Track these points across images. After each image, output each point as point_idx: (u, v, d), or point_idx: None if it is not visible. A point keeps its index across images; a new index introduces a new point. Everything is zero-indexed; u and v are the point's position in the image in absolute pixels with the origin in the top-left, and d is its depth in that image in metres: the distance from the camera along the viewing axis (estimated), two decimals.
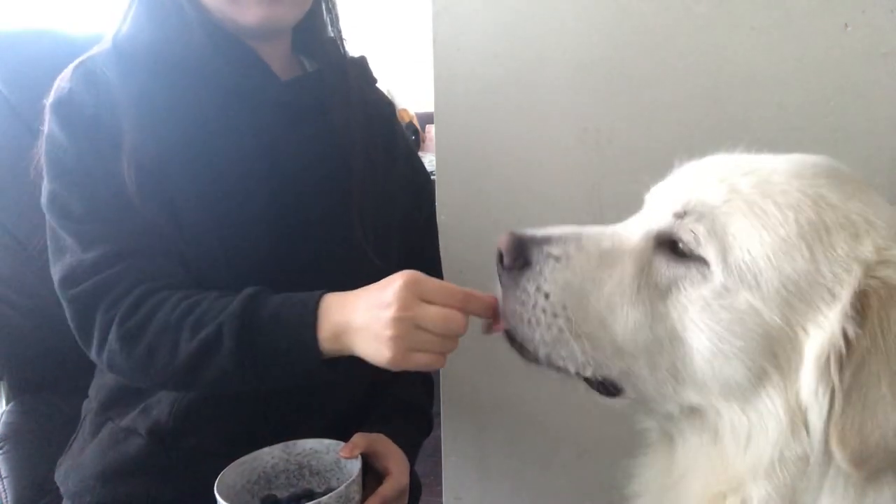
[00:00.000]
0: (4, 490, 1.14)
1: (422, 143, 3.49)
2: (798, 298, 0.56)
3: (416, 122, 3.57)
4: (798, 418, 0.56)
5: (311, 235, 0.96)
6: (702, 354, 0.59)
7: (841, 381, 0.53)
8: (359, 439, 0.89)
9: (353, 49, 1.14)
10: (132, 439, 0.94)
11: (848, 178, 0.62)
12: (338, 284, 0.97)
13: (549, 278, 0.64)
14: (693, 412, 0.63)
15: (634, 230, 0.66)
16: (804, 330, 0.56)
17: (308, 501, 0.83)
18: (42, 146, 0.90)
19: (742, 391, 0.59)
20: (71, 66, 0.92)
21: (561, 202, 1.30)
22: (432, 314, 0.73)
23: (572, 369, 0.65)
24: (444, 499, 1.47)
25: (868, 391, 0.52)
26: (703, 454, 0.62)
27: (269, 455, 0.86)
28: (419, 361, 0.75)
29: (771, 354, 0.57)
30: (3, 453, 1.17)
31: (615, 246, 0.65)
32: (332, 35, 1.07)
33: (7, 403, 1.24)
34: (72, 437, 1.04)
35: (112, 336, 0.83)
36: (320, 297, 0.80)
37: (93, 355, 0.87)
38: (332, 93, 1.01)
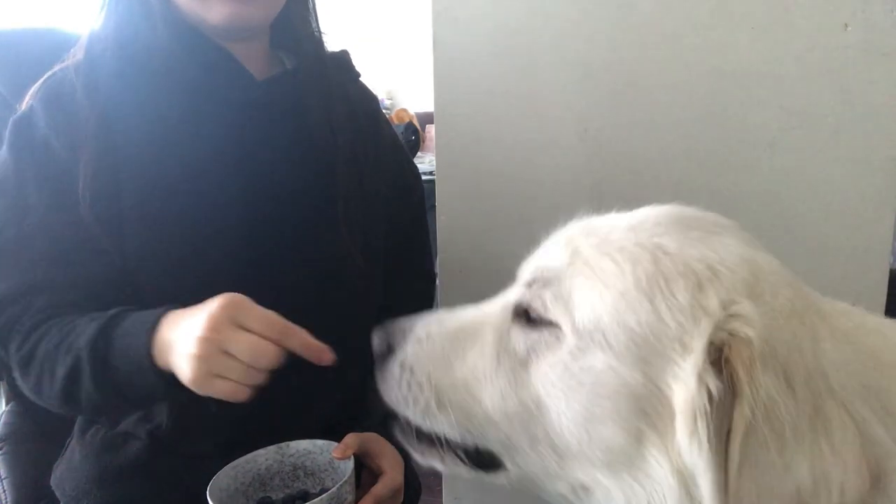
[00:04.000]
0: (4, 490, 1.14)
1: (422, 143, 3.49)
2: (650, 352, 0.54)
3: (416, 122, 3.57)
4: (689, 481, 0.53)
5: (292, 238, 0.95)
6: (573, 420, 0.57)
7: (709, 437, 0.50)
8: (351, 439, 0.88)
9: (353, 50, 1.14)
10: (132, 442, 0.94)
11: (695, 223, 0.60)
12: (321, 286, 0.97)
13: (411, 354, 0.67)
14: (585, 491, 0.60)
15: (496, 305, 0.68)
16: (667, 385, 0.54)
17: (302, 503, 0.83)
18: None
19: (626, 457, 0.56)
20: (41, 80, 0.92)
21: (561, 202, 1.30)
22: (241, 341, 0.71)
23: (450, 438, 0.65)
24: (443, 499, 1.47)
25: (758, 458, 0.50)
26: None
27: (263, 457, 0.86)
28: (219, 388, 0.72)
29: (642, 413, 0.55)
30: (3, 453, 1.17)
31: (475, 320, 0.67)
32: (311, 31, 1.06)
33: (7, 403, 1.24)
34: (66, 441, 1.04)
35: (13, 366, 0.87)
36: (162, 314, 0.78)
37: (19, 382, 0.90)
38: (310, 90, 1.00)
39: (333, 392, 1.01)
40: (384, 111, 3.99)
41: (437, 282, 1.38)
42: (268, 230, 0.93)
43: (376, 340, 0.70)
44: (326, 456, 0.88)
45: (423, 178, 1.26)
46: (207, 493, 0.78)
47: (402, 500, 0.93)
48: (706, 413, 0.51)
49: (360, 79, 1.15)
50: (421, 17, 1.54)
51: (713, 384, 0.51)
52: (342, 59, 1.11)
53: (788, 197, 1.21)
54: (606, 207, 1.32)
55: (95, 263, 0.88)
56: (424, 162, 3.06)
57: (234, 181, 0.92)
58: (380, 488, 0.88)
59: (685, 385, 0.52)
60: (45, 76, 0.93)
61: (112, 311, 0.82)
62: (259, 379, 0.72)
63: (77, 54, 0.93)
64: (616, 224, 0.62)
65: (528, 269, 0.66)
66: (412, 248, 1.17)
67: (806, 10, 1.13)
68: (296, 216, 0.96)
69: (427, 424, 0.65)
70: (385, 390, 0.68)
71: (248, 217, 0.92)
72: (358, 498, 0.85)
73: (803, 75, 1.15)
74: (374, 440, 0.92)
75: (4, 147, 0.91)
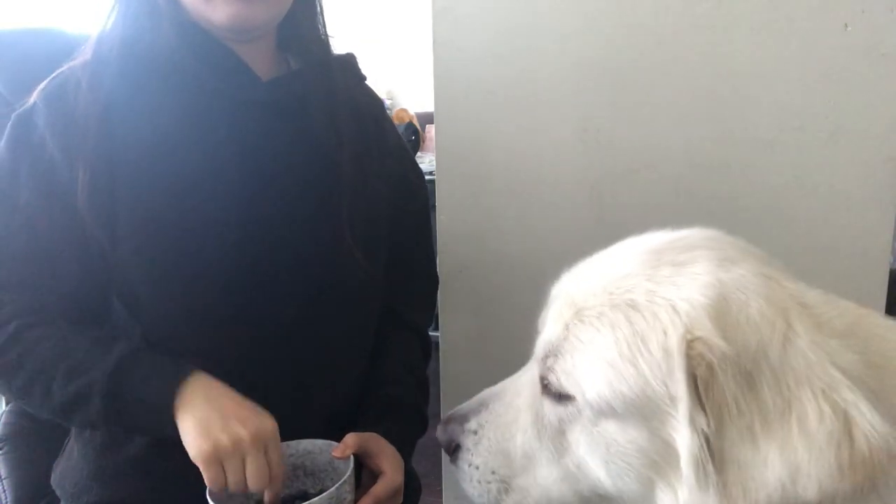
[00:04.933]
0: (4, 490, 1.14)
1: (422, 143, 3.49)
2: (648, 411, 0.58)
3: (416, 122, 3.57)
4: None
5: (293, 239, 0.95)
6: (603, 479, 0.63)
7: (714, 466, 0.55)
8: (351, 439, 0.88)
9: (354, 50, 1.14)
10: (131, 440, 0.94)
11: (667, 257, 0.62)
12: (323, 288, 0.97)
13: (473, 451, 0.72)
14: None
15: (526, 377, 0.72)
16: (670, 436, 0.58)
17: (301, 503, 0.83)
18: None
19: (644, 500, 0.62)
20: (49, 77, 0.93)
21: (561, 202, 1.30)
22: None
23: None
24: (443, 499, 1.47)
25: (738, 457, 0.54)
26: None
27: None
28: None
29: (651, 463, 0.60)
30: (3, 454, 1.17)
31: (513, 398, 0.71)
32: (318, 33, 1.06)
33: (7, 403, 1.24)
34: (66, 440, 1.04)
35: None
36: (183, 381, 0.82)
37: None
38: (315, 92, 1.00)
39: (333, 391, 1.01)
40: None
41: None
42: (269, 231, 0.93)
43: (443, 437, 0.74)
44: (326, 456, 0.87)
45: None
46: (207, 492, 0.78)
47: (401, 500, 0.93)
48: (708, 452, 0.55)
49: (365, 82, 1.15)
50: (421, 17, 1.54)
51: (703, 422, 0.55)
52: (348, 61, 1.11)
53: (788, 197, 1.21)
54: (606, 207, 1.32)
55: (75, 267, 0.89)
56: (424, 162, 3.06)
57: (236, 180, 0.93)
58: (380, 488, 0.88)
59: (682, 433, 0.56)
60: (54, 74, 0.93)
61: (123, 349, 0.84)
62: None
63: (85, 53, 0.93)
64: (593, 282, 0.65)
65: (540, 343, 0.69)
66: (415, 251, 1.17)
67: (806, 10, 1.13)
68: (298, 217, 0.96)
69: None
70: (461, 481, 0.73)
71: (249, 217, 0.92)
72: (357, 498, 0.85)
73: (803, 75, 1.15)
74: (373, 440, 0.92)
75: (4, 140, 0.91)
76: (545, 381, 0.66)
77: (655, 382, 0.58)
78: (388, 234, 1.08)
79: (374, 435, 0.93)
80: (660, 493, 0.60)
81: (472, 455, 0.72)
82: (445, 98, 1.31)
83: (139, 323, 0.91)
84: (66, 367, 0.83)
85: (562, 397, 0.64)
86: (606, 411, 0.60)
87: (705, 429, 0.54)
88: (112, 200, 0.89)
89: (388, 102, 4.13)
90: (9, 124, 0.91)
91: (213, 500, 0.77)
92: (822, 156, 1.18)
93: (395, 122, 3.58)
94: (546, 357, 0.65)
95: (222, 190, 0.92)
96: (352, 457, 0.85)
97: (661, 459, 0.59)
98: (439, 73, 1.30)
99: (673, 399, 0.57)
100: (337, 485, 0.79)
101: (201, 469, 0.77)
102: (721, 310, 0.57)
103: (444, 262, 1.38)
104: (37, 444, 1.17)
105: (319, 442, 0.88)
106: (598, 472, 0.63)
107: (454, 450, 0.73)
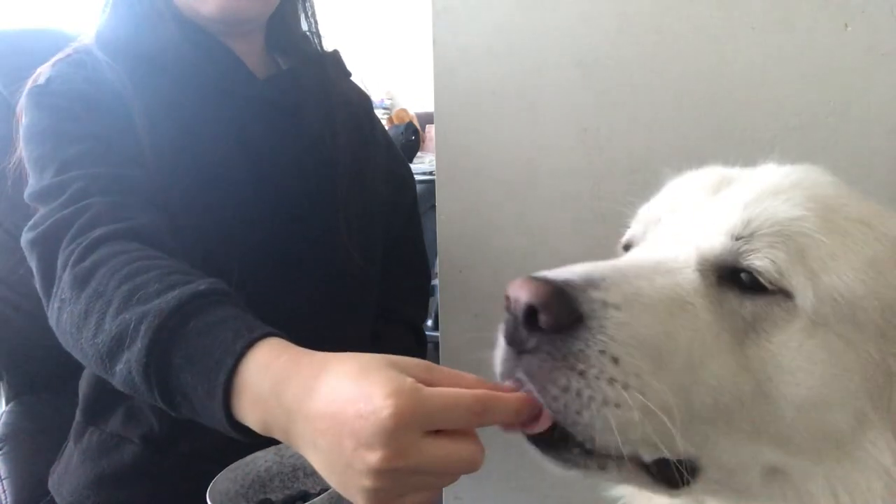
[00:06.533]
0: (4, 490, 1.14)
1: (422, 143, 3.49)
2: (892, 324, 0.49)
3: (416, 122, 3.57)
4: None
5: (291, 234, 0.95)
6: (796, 406, 0.49)
7: None
8: None
9: (354, 50, 1.14)
10: (126, 446, 0.94)
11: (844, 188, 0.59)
12: (320, 285, 0.97)
13: (615, 335, 0.47)
14: (774, 476, 0.52)
15: (681, 258, 0.53)
16: (894, 357, 0.49)
17: (302, 503, 0.83)
18: (22, 140, 0.87)
19: (840, 442, 0.49)
20: (51, 61, 0.92)
21: (561, 202, 1.30)
22: (437, 457, 0.52)
23: (647, 457, 0.50)
24: (443, 499, 1.47)
25: None
26: None
27: (263, 459, 0.86)
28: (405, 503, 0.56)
29: (870, 395, 0.49)
30: (3, 454, 1.17)
31: (675, 284, 0.51)
32: (306, 31, 1.07)
33: (7, 403, 1.24)
34: (63, 444, 1.04)
35: (65, 279, 0.72)
36: (241, 356, 0.60)
37: (51, 313, 0.75)
38: (309, 90, 1.00)
39: None
40: (384, 111, 3.99)
41: (437, 282, 1.38)
42: (265, 228, 0.94)
43: (543, 297, 0.48)
44: None
45: (423, 178, 1.26)
46: (207, 495, 0.77)
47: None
48: None
49: (351, 78, 1.16)
50: (421, 17, 1.53)
51: None
52: (335, 58, 1.12)
53: None
54: (606, 207, 1.32)
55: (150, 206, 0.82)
56: (424, 162, 3.06)
57: (234, 177, 0.93)
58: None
59: None
60: (56, 57, 0.92)
61: (200, 287, 0.65)
62: (454, 480, 0.56)
63: (83, 41, 0.93)
64: (805, 173, 0.55)
65: (733, 217, 0.52)
66: (408, 244, 1.17)
67: (806, 10, 1.13)
68: (295, 215, 0.96)
69: (623, 436, 0.48)
70: (552, 383, 0.48)
71: (246, 215, 0.93)
72: None
73: (803, 75, 1.15)
74: None
75: (29, 112, 0.87)
76: (738, 266, 0.51)
77: None
78: (382, 232, 1.08)
79: None
80: (869, 433, 0.48)
81: (611, 341, 0.47)
82: (445, 98, 1.31)
83: None
84: (128, 290, 0.66)
85: (764, 291, 0.49)
86: (844, 315, 0.48)
87: None
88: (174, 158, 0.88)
89: (387, 102, 4.13)
90: (25, 100, 0.88)
91: (213, 503, 0.77)
92: (822, 156, 1.18)
93: (395, 122, 3.58)
94: (751, 235, 0.50)
95: (220, 187, 0.92)
96: None
97: (875, 389, 0.48)
98: (439, 73, 1.30)
99: None
100: None
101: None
102: None
103: (444, 262, 1.38)
104: (37, 444, 1.17)
105: None
106: (798, 395, 0.48)
107: (569, 322, 0.47)
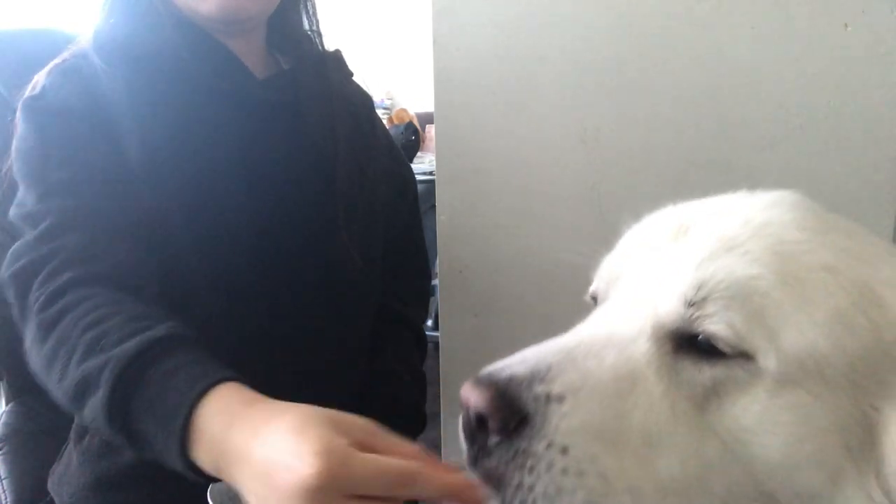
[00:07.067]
0: (4, 491, 1.14)
1: (422, 143, 3.49)
2: (866, 376, 0.47)
3: (416, 122, 3.57)
4: None
5: (291, 241, 0.95)
6: (766, 468, 0.47)
7: None
8: None
9: (354, 50, 1.14)
10: (127, 448, 0.93)
11: (819, 209, 0.56)
12: (320, 288, 0.96)
13: (560, 427, 0.47)
14: None
15: (633, 328, 0.52)
16: (873, 408, 0.47)
17: None
18: (13, 151, 0.88)
19: (813, 498, 0.48)
20: (48, 67, 0.92)
21: (561, 202, 1.30)
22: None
23: None
24: None
25: None
26: None
27: None
28: None
29: (846, 448, 0.47)
30: (3, 454, 1.17)
31: (627, 359, 0.50)
32: (307, 30, 1.06)
33: (7, 403, 1.24)
34: (64, 445, 1.03)
35: (33, 323, 0.75)
36: (196, 403, 0.64)
37: (25, 347, 0.78)
38: (309, 90, 1.00)
39: (333, 392, 1.00)
40: (384, 111, 3.99)
41: (437, 282, 1.38)
42: (264, 231, 0.93)
43: (490, 404, 0.48)
44: None
45: (423, 178, 1.26)
46: (208, 495, 0.77)
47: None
48: None
49: (353, 78, 1.15)
50: (421, 16, 1.54)
51: None
52: (337, 58, 1.11)
53: None
54: (606, 207, 1.32)
55: (125, 237, 0.82)
56: (424, 162, 3.06)
57: (232, 179, 0.92)
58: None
59: None
60: (53, 63, 0.92)
61: (158, 333, 0.68)
62: None
63: (80, 44, 0.93)
64: (768, 217, 0.52)
65: (685, 281, 0.50)
66: (409, 246, 1.17)
67: (806, 10, 1.13)
68: (293, 217, 0.96)
69: None
70: (519, 469, 0.48)
71: (248, 220, 0.92)
72: None
73: (803, 75, 1.15)
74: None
75: (21, 125, 0.88)
76: (693, 333, 0.49)
77: (890, 340, 0.47)
78: (383, 233, 1.08)
79: None
80: (845, 487, 0.47)
81: (556, 433, 0.48)
82: (445, 98, 1.31)
83: None
84: (91, 337, 0.70)
85: (728, 355, 0.48)
86: (810, 371, 0.46)
87: None
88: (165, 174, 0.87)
89: (387, 102, 4.13)
90: (20, 113, 0.88)
91: (213, 501, 0.77)
92: (822, 156, 1.18)
93: (395, 121, 3.58)
94: (704, 300, 0.48)
95: (222, 188, 0.92)
96: None
97: (856, 442, 0.47)
98: (439, 73, 1.30)
99: None
100: None
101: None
102: None
103: (444, 262, 1.38)
104: (37, 444, 1.17)
105: None
106: (768, 459, 0.47)
107: (515, 425, 0.48)
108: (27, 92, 0.90)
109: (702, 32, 1.18)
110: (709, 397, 0.48)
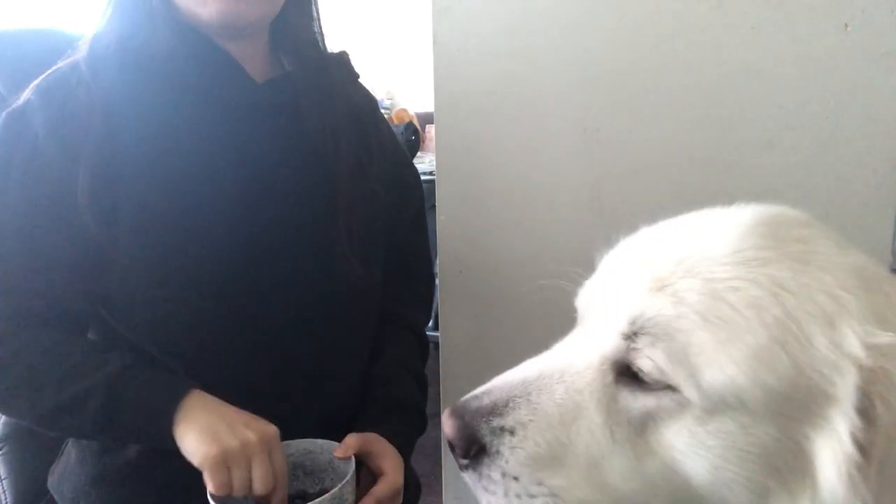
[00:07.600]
0: (4, 491, 1.14)
1: (422, 143, 3.49)
2: (790, 407, 0.50)
3: (416, 122, 3.57)
4: None
5: (289, 243, 0.94)
6: (700, 486, 0.52)
7: (867, 487, 0.47)
8: (352, 440, 0.88)
9: (354, 50, 1.14)
10: (127, 445, 0.94)
11: (783, 232, 0.56)
12: (319, 292, 0.96)
13: (510, 457, 0.55)
14: None
15: (583, 358, 0.57)
16: (805, 437, 0.50)
17: (302, 502, 0.83)
18: None
19: None
20: (39, 79, 0.92)
21: (561, 202, 1.30)
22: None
23: None
24: (443, 499, 1.47)
25: None
26: None
27: None
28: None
29: (773, 470, 0.51)
30: (3, 454, 1.17)
31: (570, 390, 0.56)
32: (312, 34, 1.05)
33: None
34: (63, 444, 1.03)
35: None
36: (184, 395, 0.83)
37: None
38: (310, 94, 0.99)
39: (333, 392, 1.00)
40: (384, 111, 3.99)
41: (437, 282, 1.38)
42: (264, 236, 0.93)
43: (457, 435, 0.57)
44: (327, 456, 0.87)
45: (423, 178, 1.26)
46: (209, 495, 0.78)
47: (401, 500, 0.93)
48: (857, 464, 0.47)
49: (359, 80, 1.15)
50: (421, 16, 1.54)
51: (861, 435, 0.48)
52: (342, 60, 1.10)
53: (788, 197, 1.20)
54: (606, 207, 1.32)
55: (66, 273, 0.88)
56: (424, 162, 3.06)
57: (231, 185, 0.92)
58: (381, 489, 0.88)
59: (832, 439, 0.49)
60: (48, 72, 0.92)
61: (125, 361, 0.86)
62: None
63: (80, 51, 0.93)
64: (706, 251, 0.54)
65: (622, 316, 0.54)
66: (411, 250, 1.17)
67: (806, 10, 1.13)
68: (293, 223, 0.95)
69: None
70: (483, 493, 0.57)
71: (246, 222, 0.92)
72: (358, 498, 0.85)
73: (803, 75, 1.15)
74: (375, 441, 0.92)
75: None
76: (627, 366, 0.54)
77: (813, 375, 0.49)
78: (385, 237, 1.08)
79: (375, 435, 0.93)
80: (774, 503, 0.51)
81: (507, 462, 0.55)
82: (445, 98, 1.31)
83: (131, 329, 0.90)
84: (62, 372, 0.84)
85: (656, 387, 0.52)
86: (732, 404, 0.50)
87: (861, 440, 0.47)
88: (114, 199, 0.88)
89: (387, 102, 4.13)
90: (0, 122, 0.90)
91: (213, 500, 0.77)
92: (822, 156, 1.18)
93: (395, 122, 3.58)
94: (635, 335, 0.53)
95: (218, 194, 0.91)
96: (353, 457, 0.85)
97: (785, 465, 0.50)
98: (439, 73, 1.30)
99: (828, 398, 0.49)
100: (340, 484, 0.79)
101: (207, 474, 0.77)
102: (878, 309, 0.51)
103: (444, 262, 1.38)
104: (37, 444, 1.17)
105: (320, 441, 0.88)
106: (699, 478, 0.52)
107: (475, 455, 0.56)
108: (18, 101, 0.90)
109: (702, 32, 1.18)
110: (646, 422, 0.53)
